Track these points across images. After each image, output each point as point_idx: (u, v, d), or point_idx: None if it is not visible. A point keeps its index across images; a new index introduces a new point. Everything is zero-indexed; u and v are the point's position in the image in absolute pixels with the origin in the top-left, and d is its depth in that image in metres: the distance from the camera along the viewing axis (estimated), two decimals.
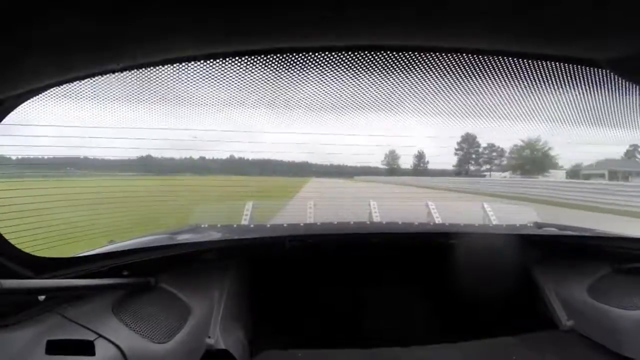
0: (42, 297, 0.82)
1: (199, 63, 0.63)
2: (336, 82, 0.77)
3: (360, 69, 0.71)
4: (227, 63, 0.64)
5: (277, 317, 1.64)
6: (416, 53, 0.65)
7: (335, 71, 0.72)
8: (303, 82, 0.76)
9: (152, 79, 0.69)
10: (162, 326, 1.03)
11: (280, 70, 0.69)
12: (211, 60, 0.63)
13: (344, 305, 1.75)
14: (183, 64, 0.63)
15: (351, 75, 0.74)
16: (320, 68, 0.69)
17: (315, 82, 0.76)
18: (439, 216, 2.79)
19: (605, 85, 0.73)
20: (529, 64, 0.69)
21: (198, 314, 1.20)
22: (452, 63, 0.69)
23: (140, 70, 0.64)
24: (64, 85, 0.66)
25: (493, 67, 0.70)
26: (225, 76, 0.69)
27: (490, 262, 1.43)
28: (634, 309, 1.26)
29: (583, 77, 0.71)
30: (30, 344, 0.73)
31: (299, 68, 0.69)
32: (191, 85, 0.72)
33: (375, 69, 0.71)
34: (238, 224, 2.20)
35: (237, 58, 0.63)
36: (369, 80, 0.78)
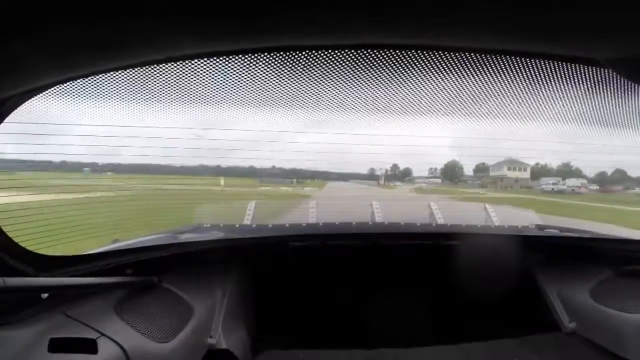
0: (44, 296, 0.82)
1: (202, 61, 0.63)
2: (338, 81, 0.77)
3: (364, 68, 0.71)
4: (231, 61, 0.64)
5: (279, 317, 1.64)
6: (418, 52, 0.65)
7: (338, 70, 0.71)
8: (306, 81, 0.76)
9: (156, 77, 0.70)
10: (164, 325, 1.03)
11: (283, 69, 0.69)
12: (215, 58, 0.63)
13: (346, 306, 1.74)
14: (187, 61, 0.63)
15: (354, 74, 0.74)
16: (324, 67, 0.69)
17: (318, 80, 0.76)
18: (441, 217, 2.78)
19: (608, 85, 0.73)
20: (530, 63, 0.68)
21: (200, 313, 1.20)
22: (453, 62, 0.69)
23: (145, 69, 0.65)
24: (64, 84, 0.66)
25: (495, 66, 0.69)
26: (229, 74, 0.69)
27: (493, 264, 1.43)
28: (636, 312, 1.26)
29: (585, 77, 0.71)
30: (33, 342, 0.72)
31: (302, 66, 0.69)
32: (194, 83, 0.72)
33: (378, 67, 0.71)
34: (240, 223, 2.20)
35: (241, 56, 0.63)
36: (372, 80, 0.78)
